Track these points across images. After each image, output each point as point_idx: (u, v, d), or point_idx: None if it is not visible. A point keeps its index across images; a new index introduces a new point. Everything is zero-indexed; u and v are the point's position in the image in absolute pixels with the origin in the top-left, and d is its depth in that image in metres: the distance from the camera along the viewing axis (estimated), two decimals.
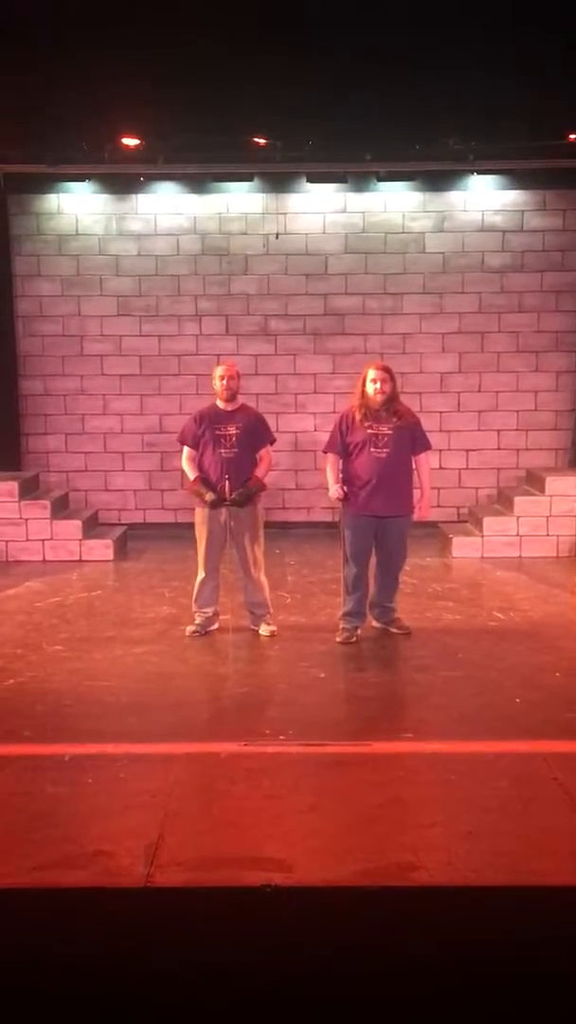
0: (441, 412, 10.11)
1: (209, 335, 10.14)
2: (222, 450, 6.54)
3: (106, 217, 10.06)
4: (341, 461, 6.51)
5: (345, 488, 6.44)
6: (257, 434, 6.66)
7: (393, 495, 6.40)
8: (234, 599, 6.81)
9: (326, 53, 6.50)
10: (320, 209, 10.02)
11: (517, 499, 9.25)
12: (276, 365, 10.17)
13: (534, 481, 9.56)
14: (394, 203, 10.01)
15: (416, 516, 6.60)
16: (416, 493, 6.57)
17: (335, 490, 6.46)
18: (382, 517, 6.43)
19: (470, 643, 6.48)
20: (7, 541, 9.12)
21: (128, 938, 3.19)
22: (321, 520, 9.97)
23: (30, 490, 9.50)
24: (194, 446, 6.64)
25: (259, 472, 6.62)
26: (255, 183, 9.88)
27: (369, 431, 6.37)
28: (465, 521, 9.89)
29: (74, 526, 9.24)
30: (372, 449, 6.36)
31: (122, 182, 9.88)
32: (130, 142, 8.72)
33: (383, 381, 6.36)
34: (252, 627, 6.74)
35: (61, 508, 9.60)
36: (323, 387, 10.15)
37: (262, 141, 8.69)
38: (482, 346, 10.14)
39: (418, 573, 8.22)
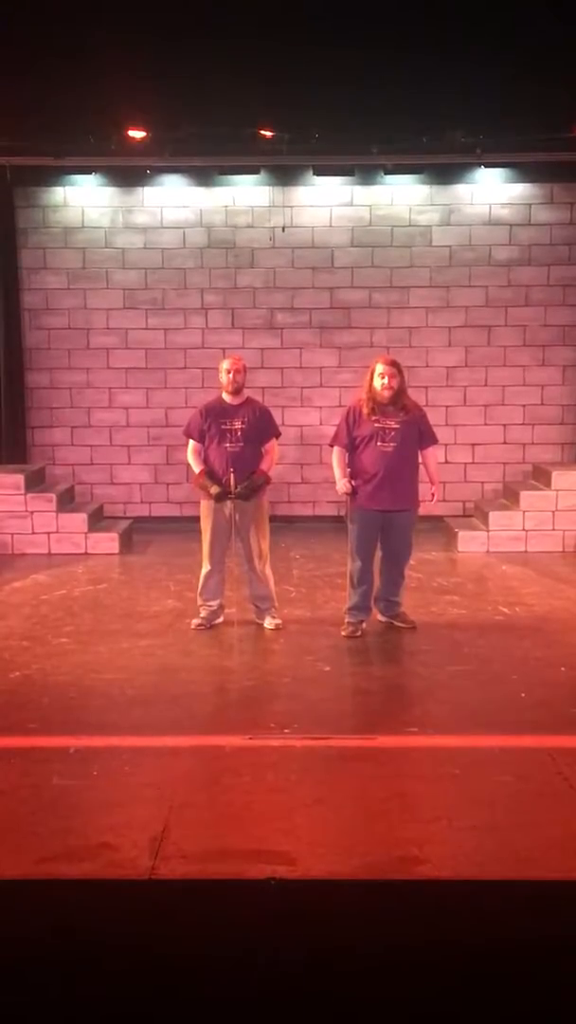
0: (447, 406, 10.10)
1: (215, 328, 10.14)
2: (227, 444, 6.53)
3: (112, 210, 10.06)
4: (347, 455, 6.50)
5: (353, 482, 6.43)
6: (263, 428, 6.65)
7: (399, 489, 6.39)
8: (239, 592, 6.81)
9: (333, 45, 6.48)
10: (327, 202, 10.00)
11: (523, 493, 9.24)
12: (282, 358, 10.17)
13: (540, 476, 9.55)
14: (401, 196, 9.99)
15: (425, 508, 6.61)
16: (426, 487, 6.56)
17: (343, 484, 6.45)
18: (388, 511, 6.42)
19: (475, 637, 6.47)
20: (13, 534, 9.14)
21: (132, 930, 3.20)
22: (326, 514, 9.98)
23: (36, 483, 9.52)
24: (200, 439, 6.63)
25: (264, 466, 6.62)
26: (261, 176, 9.86)
27: (376, 425, 6.36)
28: (471, 515, 9.89)
29: (80, 519, 9.26)
30: (379, 443, 6.35)
31: (128, 175, 9.87)
32: (136, 134, 8.70)
33: (391, 376, 6.34)
34: (257, 620, 6.74)
35: (67, 501, 9.61)
36: (329, 381, 10.14)
37: (269, 134, 8.67)
38: (489, 340, 10.12)
39: (424, 567, 8.21)
